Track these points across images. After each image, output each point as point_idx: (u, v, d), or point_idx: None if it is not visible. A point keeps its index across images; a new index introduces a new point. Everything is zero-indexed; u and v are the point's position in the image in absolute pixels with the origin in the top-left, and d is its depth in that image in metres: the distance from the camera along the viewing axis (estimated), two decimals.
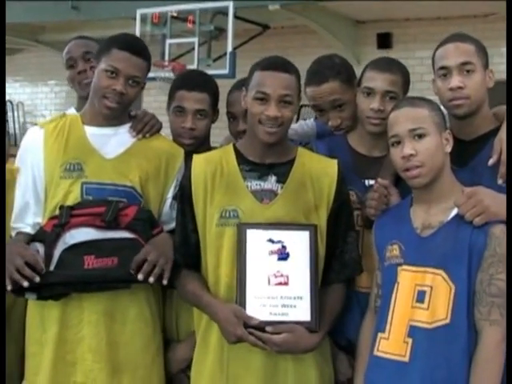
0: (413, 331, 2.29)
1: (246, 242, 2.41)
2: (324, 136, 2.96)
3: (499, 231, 2.28)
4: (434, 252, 2.31)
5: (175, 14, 11.42)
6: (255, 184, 2.50)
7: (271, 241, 2.42)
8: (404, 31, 12.65)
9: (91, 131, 2.73)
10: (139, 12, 11.70)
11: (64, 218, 2.58)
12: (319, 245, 2.45)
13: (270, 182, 2.50)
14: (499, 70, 3.11)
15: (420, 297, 2.30)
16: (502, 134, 2.46)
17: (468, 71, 2.52)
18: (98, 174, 2.66)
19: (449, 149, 2.40)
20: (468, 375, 2.24)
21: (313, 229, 2.42)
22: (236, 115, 2.92)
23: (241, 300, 2.40)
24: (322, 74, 2.83)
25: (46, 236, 2.60)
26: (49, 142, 2.72)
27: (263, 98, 2.44)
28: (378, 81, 2.70)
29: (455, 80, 2.51)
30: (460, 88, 2.51)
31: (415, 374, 2.27)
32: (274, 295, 2.41)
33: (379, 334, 2.37)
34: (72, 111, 3.29)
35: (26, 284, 2.49)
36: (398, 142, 2.39)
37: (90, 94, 2.78)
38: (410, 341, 2.29)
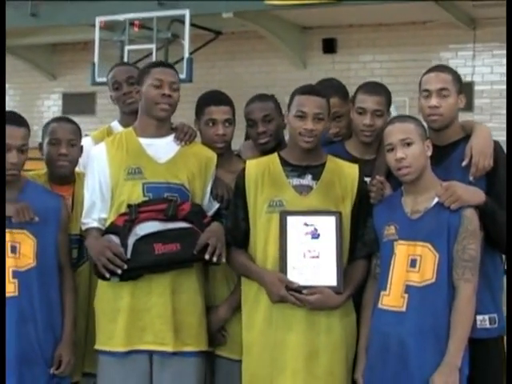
0: (408, 289, 3.06)
1: (286, 226, 3.15)
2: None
3: (469, 213, 3.07)
4: (422, 230, 3.09)
5: (121, 20, 11.81)
6: (295, 181, 3.24)
7: (306, 224, 3.16)
8: (348, 37, 13.20)
9: (145, 142, 3.40)
10: (98, 19, 12.08)
11: (134, 215, 3.23)
12: (345, 228, 3.19)
13: (307, 179, 3.24)
14: None
15: (413, 263, 3.07)
16: (472, 142, 3.23)
17: (444, 95, 3.27)
18: (155, 176, 3.33)
19: (429, 153, 3.16)
20: (449, 321, 3.02)
21: (338, 215, 3.16)
22: (256, 121, 3.63)
23: (283, 270, 3.14)
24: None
25: (119, 229, 3.23)
26: (111, 152, 3.38)
27: (302, 116, 3.18)
28: (368, 102, 3.47)
29: (433, 101, 3.26)
30: (436, 107, 3.26)
31: (411, 320, 3.04)
32: (308, 266, 3.15)
33: (382, 292, 3.13)
34: (116, 124, 3.99)
35: (119, 271, 3.14)
36: (392, 149, 3.14)
37: (140, 112, 3.44)
38: (406, 296, 3.06)
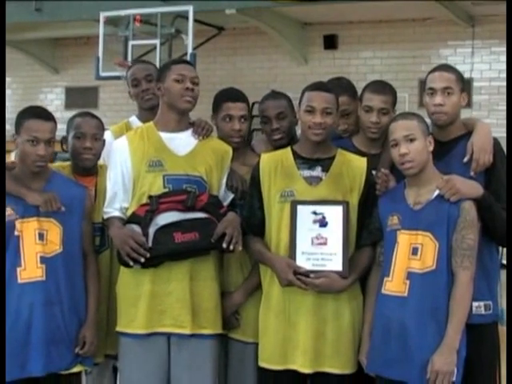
0: (410, 275, 3.27)
1: (296, 214, 3.37)
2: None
3: (468, 205, 3.28)
4: (423, 220, 3.30)
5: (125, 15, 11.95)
6: (306, 172, 3.46)
7: (315, 213, 3.38)
8: (349, 33, 13.40)
9: (165, 136, 3.60)
10: (102, 15, 12.24)
11: (154, 205, 3.42)
12: (352, 217, 3.41)
13: (317, 171, 3.46)
14: None
15: (414, 251, 3.28)
16: (473, 139, 3.44)
17: (448, 93, 3.46)
18: (175, 168, 3.53)
19: (431, 148, 3.37)
20: (447, 306, 3.23)
21: (345, 204, 3.38)
22: (270, 118, 3.82)
23: (292, 255, 3.37)
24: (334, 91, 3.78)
25: (140, 219, 3.42)
26: (133, 145, 3.57)
27: (311, 111, 3.41)
28: (374, 101, 3.68)
29: (438, 99, 3.46)
30: (440, 105, 3.46)
31: (412, 304, 3.25)
32: (316, 252, 3.37)
33: (385, 279, 3.34)
34: (134, 119, 4.21)
35: (143, 260, 3.34)
36: (396, 144, 3.35)
37: (162, 107, 3.63)
38: (408, 282, 3.27)
